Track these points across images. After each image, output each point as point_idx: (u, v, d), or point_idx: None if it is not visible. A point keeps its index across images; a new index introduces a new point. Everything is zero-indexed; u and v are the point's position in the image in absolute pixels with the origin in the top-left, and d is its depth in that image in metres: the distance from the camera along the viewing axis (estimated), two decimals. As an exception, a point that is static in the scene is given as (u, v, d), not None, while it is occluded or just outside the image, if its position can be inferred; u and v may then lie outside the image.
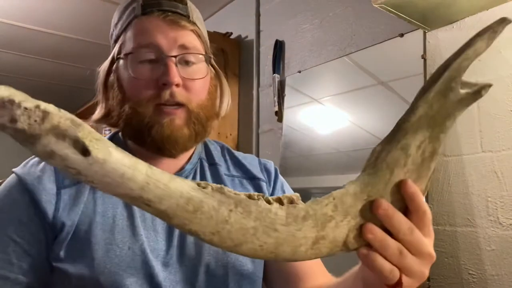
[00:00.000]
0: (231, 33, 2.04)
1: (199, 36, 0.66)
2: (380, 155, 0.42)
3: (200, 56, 0.66)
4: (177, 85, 0.62)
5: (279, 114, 1.71)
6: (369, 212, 0.41)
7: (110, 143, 0.34)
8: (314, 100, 1.56)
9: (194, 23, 0.65)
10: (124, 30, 0.65)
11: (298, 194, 0.41)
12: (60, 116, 0.31)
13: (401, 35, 1.23)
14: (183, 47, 0.63)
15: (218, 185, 0.37)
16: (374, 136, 1.29)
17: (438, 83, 0.40)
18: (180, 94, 0.62)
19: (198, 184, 0.36)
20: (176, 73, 0.61)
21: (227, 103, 0.74)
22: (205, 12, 2.23)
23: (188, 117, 0.63)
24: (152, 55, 0.62)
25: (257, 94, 1.90)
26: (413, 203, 0.42)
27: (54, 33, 2.55)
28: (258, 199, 0.38)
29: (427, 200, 1.10)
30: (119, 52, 0.66)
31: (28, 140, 0.29)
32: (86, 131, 0.31)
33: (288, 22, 1.77)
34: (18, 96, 0.30)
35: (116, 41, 0.67)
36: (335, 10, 1.54)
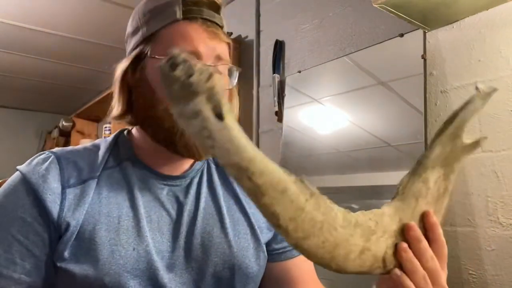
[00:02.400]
0: (231, 33, 2.04)
1: (229, 48, 0.69)
2: (407, 185, 0.48)
3: (228, 67, 0.68)
4: None
5: (279, 114, 1.71)
6: (401, 234, 0.47)
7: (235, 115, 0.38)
8: (314, 100, 1.56)
9: (226, 35, 0.68)
10: (158, 31, 0.64)
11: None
12: (219, 79, 0.36)
13: (401, 35, 1.23)
14: (218, 57, 0.65)
15: (300, 178, 0.41)
16: (374, 136, 1.29)
17: (449, 128, 0.48)
18: None
19: (284, 171, 0.40)
20: None
21: (236, 107, 0.75)
22: (205, 12, 2.22)
23: None
24: None
25: (257, 94, 1.90)
26: (434, 233, 0.48)
27: (54, 33, 2.55)
28: (323, 194, 0.42)
29: (427, 200, 1.10)
30: (151, 52, 0.65)
31: (187, 97, 0.34)
32: (225, 100, 0.36)
33: (288, 22, 1.77)
34: (191, 58, 0.36)
35: (146, 40, 0.66)
36: (335, 10, 1.54)
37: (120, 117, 0.68)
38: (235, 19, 2.08)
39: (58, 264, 0.58)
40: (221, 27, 0.67)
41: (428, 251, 0.48)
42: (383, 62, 1.32)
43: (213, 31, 0.64)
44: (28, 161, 0.65)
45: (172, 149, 0.64)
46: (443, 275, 0.50)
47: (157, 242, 0.62)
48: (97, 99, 3.38)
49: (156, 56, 0.64)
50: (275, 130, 1.77)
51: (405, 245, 0.46)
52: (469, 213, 1.06)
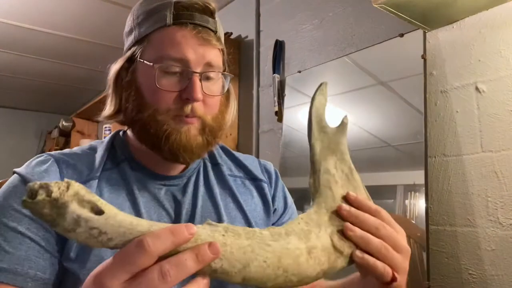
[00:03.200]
0: (231, 33, 2.04)
1: (223, 53, 0.68)
2: (315, 183, 0.51)
3: (219, 74, 0.67)
4: (199, 101, 0.63)
5: (279, 114, 1.71)
6: (337, 220, 0.48)
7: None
8: (314, 100, 1.56)
9: (220, 40, 0.67)
10: (149, 34, 0.64)
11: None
12: (78, 185, 0.37)
13: (401, 35, 1.23)
14: (208, 64, 0.64)
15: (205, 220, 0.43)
16: (374, 136, 1.29)
17: (313, 125, 0.54)
18: (199, 108, 0.63)
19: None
20: (200, 90, 0.62)
21: (233, 112, 0.75)
22: (205, 12, 2.22)
23: (203, 128, 0.65)
24: (178, 68, 0.63)
25: (257, 94, 1.90)
26: (363, 207, 0.49)
27: (54, 33, 2.55)
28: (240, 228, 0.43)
29: (427, 200, 1.10)
30: (141, 55, 0.65)
31: (61, 212, 0.36)
32: (96, 196, 0.38)
33: (288, 22, 1.77)
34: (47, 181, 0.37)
35: (138, 42, 0.66)
36: (335, 10, 1.54)
37: (111, 117, 0.69)
38: (235, 19, 2.08)
39: (65, 264, 0.58)
40: (215, 32, 0.66)
41: (372, 220, 0.48)
42: (383, 62, 1.32)
43: (203, 37, 0.63)
44: (26, 163, 0.65)
45: (157, 153, 0.65)
46: (401, 237, 0.50)
47: None
48: (97, 99, 3.38)
49: (145, 61, 0.64)
50: (275, 130, 1.77)
51: (348, 225, 0.47)
52: (469, 213, 1.06)
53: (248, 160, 0.80)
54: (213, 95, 0.66)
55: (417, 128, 1.15)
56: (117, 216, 0.38)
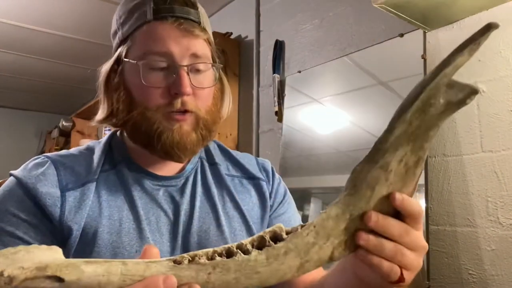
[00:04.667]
0: (231, 33, 2.04)
1: (209, 43, 0.66)
2: (360, 175, 0.43)
3: (209, 64, 0.66)
4: (188, 94, 0.62)
5: (279, 114, 1.71)
6: (354, 228, 0.43)
7: (81, 262, 0.36)
8: (314, 100, 1.56)
9: (205, 30, 0.65)
10: (132, 33, 0.64)
11: (281, 225, 0.43)
12: (24, 272, 0.34)
13: (401, 35, 1.23)
14: (194, 56, 0.63)
15: (192, 255, 0.40)
16: (374, 136, 1.29)
17: (416, 103, 0.40)
18: (190, 102, 0.62)
19: (174, 261, 0.39)
20: (188, 83, 0.61)
21: (229, 105, 0.74)
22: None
23: (196, 123, 0.64)
24: (164, 63, 0.62)
25: (257, 94, 1.90)
26: (405, 210, 0.44)
27: (54, 33, 2.55)
28: (236, 253, 0.41)
29: (427, 200, 1.10)
30: (126, 55, 0.65)
31: None
32: (54, 267, 0.34)
33: (288, 22, 1.77)
34: None
35: (122, 42, 0.66)
36: (335, 10, 1.54)
37: (103, 120, 0.68)
38: (235, 19, 2.08)
39: None
40: (198, 23, 0.64)
41: (398, 229, 0.43)
42: (383, 62, 1.32)
43: (186, 29, 0.62)
44: (23, 165, 0.64)
45: (151, 152, 0.64)
46: (421, 237, 0.46)
47: (158, 242, 0.62)
48: (97, 99, 3.36)
49: (130, 60, 0.63)
50: (275, 130, 1.77)
51: (361, 233, 0.43)
52: (469, 213, 1.06)
53: (246, 158, 0.80)
54: (203, 87, 0.64)
55: (417, 128, 1.15)
56: (81, 281, 0.35)
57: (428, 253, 1.07)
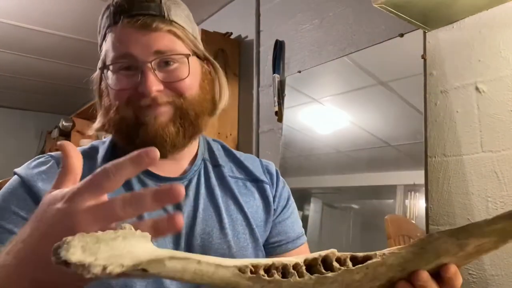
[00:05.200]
0: (231, 33, 2.04)
1: (177, 35, 0.63)
2: (434, 241, 0.44)
3: (181, 55, 0.64)
4: (159, 91, 0.61)
5: (279, 114, 1.71)
6: (398, 278, 0.43)
7: (166, 258, 0.37)
8: (314, 100, 1.56)
9: (170, 21, 0.62)
10: (103, 41, 0.66)
11: (334, 250, 0.43)
12: (123, 269, 0.35)
13: (401, 35, 1.23)
14: (158, 52, 0.61)
15: (255, 264, 0.40)
16: (374, 136, 1.29)
17: None
18: (163, 96, 0.62)
19: (239, 269, 0.40)
20: (153, 82, 0.60)
21: (225, 96, 0.73)
22: (205, 12, 2.23)
23: (174, 114, 0.63)
24: (129, 65, 0.62)
25: (257, 94, 1.90)
26: (450, 284, 0.44)
27: (54, 33, 2.55)
28: (292, 274, 0.41)
29: (427, 200, 1.10)
30: (102, 63, 0.66)
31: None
32: (145, 263, 0.36)
33: (288, 22, 1.77)
34: None
35: (100, 51, 0.67)
36: (335, 10, 1.54)
37: (99, 129, 0.69)
38: (235, 19, 2.08)
39: None
40: (161, 16, 0.62)
41: None
42: (383, 62, 1.32)
43: (143, 25, 0.60)
44: (26, 163, 0.64)
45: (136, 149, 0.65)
46: None
47: (160, 244, 0.62)
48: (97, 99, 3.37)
49: (106, 63, 0.64)
50: (275, 130, 1.77)
51: (403, 284, 0.43)
52: (469, 213, 1.06)
53: (250, 160, 0.80)
54: (173, 80, 0.62)
55: (417, 128, 1.15)
56: (161, 274, 0.37)
57: (428, 253, 1.07)
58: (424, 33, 1.18)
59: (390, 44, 1.28)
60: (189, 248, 0.64)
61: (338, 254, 0.43)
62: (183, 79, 0.63)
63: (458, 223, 1.08)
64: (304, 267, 0.42)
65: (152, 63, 0.61)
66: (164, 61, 0.62)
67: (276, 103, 1.70)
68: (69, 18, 2.36)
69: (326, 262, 0.43)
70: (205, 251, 0.65)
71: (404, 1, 1.01)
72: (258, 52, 1.93)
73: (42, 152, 4.30)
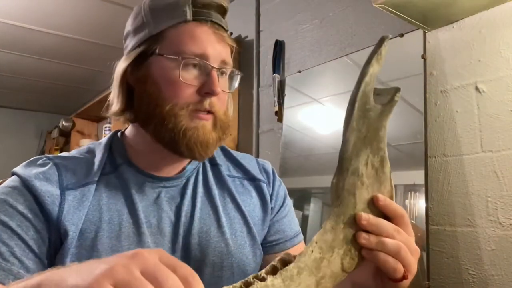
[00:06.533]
0: (231, 33, 2.04)
1: (232, 51, 0.70)
2: (338, 186, 0.48)
3: (231, 70, 0.69)
4: (217, 95, 0.64)
5: (279, 114, 1.71)
6: (351, 234, 0.47)
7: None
8: (314, 100, 1.56)
9: (231, 39, 0.70)
10: (165, 29, 0.64)
11: (288, 252, 0.46)
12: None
13: (401, 35, 1.23)
14: (223, 61, 0.66)
15: None
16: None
17: (354, 112, 0.47)
18: (216, 103, 0.65)
19: None
20: (218, 85, 0.64)
21: (232, 108, 0.76)
22: (205, 12, 2.22)
23: (215, 124, 0.66)
24: (198, 64, 0.64)
25: (257, 94, 1.90)
26: (389, 211, 0.48)
27: (54, 33, 2.55)
28: (254, 282, 0.42)
29: (427, 200, 1.10)
30: (160, 49, 0.64)
31: None
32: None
33: (288, 22, 1.77)
34: None
35: (153, 37, 0.65)
36: (335, 10, 1.54)
37: (119, 113, 0.68)
38: (235, 19, 2.08)
39: None
40: (227, 31, 0.69)
41: (389, 227, 0.48)
42: (383, 62, 1.32)
43: (221, 35, 0.66)
44: (25, 163, 0.64)
45: (174, 148, 0.64)
46: (413, 241, 0.50)
47: (159, 244, 0.63)
48: (97, 99, 3.37)
49: (165, 55, 0.64)
50: (275, 130, 1.77)
51: (362, 234, 0.47)
52: (469, 213, 1.06)
53: (246, 159, 0.80)
54: (226, 91, 0.68)
55: (417, 128, 1.15)
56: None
57: (428, 253, 1.07)
58: (424, 33, 1.18)
59: (390, 44, 1.27)
60: (187, 247, 0.64)
61: (294, 254, 0.45)
62: (231, 91, 0.70)
63: (458, 223, 1.08)
64: (263, 273, 0.43)
65: (218, 69, 0.65)
66: (222, 72, 0.67)
67: (276, 103, 1.70)
68: (69, 18, 2.36)
69: (287, 264, 0.44)
70: (203, 249, 0.65)
71: (404, 1, 1.01)
72: (258, 52, 1.93)
73: (42, 152, 4.31)
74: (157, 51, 0.65)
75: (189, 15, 0.64)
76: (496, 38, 1.04)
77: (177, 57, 0.63)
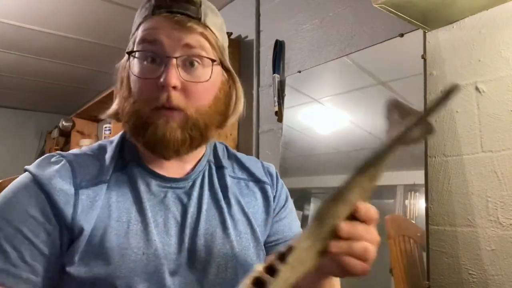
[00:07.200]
0: (231, 33, 2.04)
1: (208, 39, 0.64)
2: (327, 212, 0.45)
3: (207, 59, 0.64)
4: (175, 88, 0.61)
5: (279, 114, 1.71)
6: (323, 246, 0.45)
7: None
8: (314, 100, 1.56)
9: (204, 26, 0.63)
10: (136, 29, 0.66)
11: (259, 268, 0.43)
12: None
13: (401, 35, 1.23)
14: (187, 46, 0.61)
15: None
16: (374, 136, 1.29)
17: (370, 170, 0.44)
18: (177, 98, 0.61)
19: None
20: (174, 75, 0.60)
21: (238, 110, 0.74)
22: (205, 12, 2.22)
23: (185, 122, 0.62)
24: (155, 55, 0.62)
25: (257, 94, 1.90)
26: (368, 218, 0.46)
27: (54, 33, 2.55)
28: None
29: (427, 200, 1.10)
30: (128, 48, 0.66)
31: None
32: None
33: (288, 22, 1.77)
34: None
35: (132, 37, 0.67)
36: (335, 10, 1.54)
37: (111, 116, 0.69)
38: (235, 19, 2.08)
39: (67, 268, 0.58)
40: (197, 18, 0.63)
41: (364, 232, 0.46)
42: (383, 62, 1.32)
43: (179, 21, 0.61)
44: (38, 161, 0.64)
45: (141, 145, 0.65)
46: (376, 233, 0.49)
47: (165, 245, 0.63)
48: (97, 99, 3.38)
49: (128, 53, 0.65)
50: (275, 130, 1.77)
51: (334, 244, 0.44)
52: (469, 213, 1.06)
53: (252, 162, 0.81)
54: (193, 81, 0.62)
55: (417, 128, 1.15)
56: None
57: (428, 253, 1.07)
58: (424, 33, 1.18)
59: (390, 44, 1.28)
60: (192, 248, 0.65)
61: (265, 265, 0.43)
62: (202, 82, 0.63)
63: (458, 223, 1.08)
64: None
65: (178, 59, 0.61)
66: (190, 61, 0.63)
67: (276, 103, 1.70)
68: (69, 18, 2.36)
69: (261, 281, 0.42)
70: (208, 251, 0.65)
71: (404, 1, 1.01)
72: (258, 52, 1.93)
73: (42, 152, 4.30)
74: (127, 51, 0.66)
75: (149, 11, 0.64)
76: (496, 38, 1.04)
77: (133, 53, 0.63)
